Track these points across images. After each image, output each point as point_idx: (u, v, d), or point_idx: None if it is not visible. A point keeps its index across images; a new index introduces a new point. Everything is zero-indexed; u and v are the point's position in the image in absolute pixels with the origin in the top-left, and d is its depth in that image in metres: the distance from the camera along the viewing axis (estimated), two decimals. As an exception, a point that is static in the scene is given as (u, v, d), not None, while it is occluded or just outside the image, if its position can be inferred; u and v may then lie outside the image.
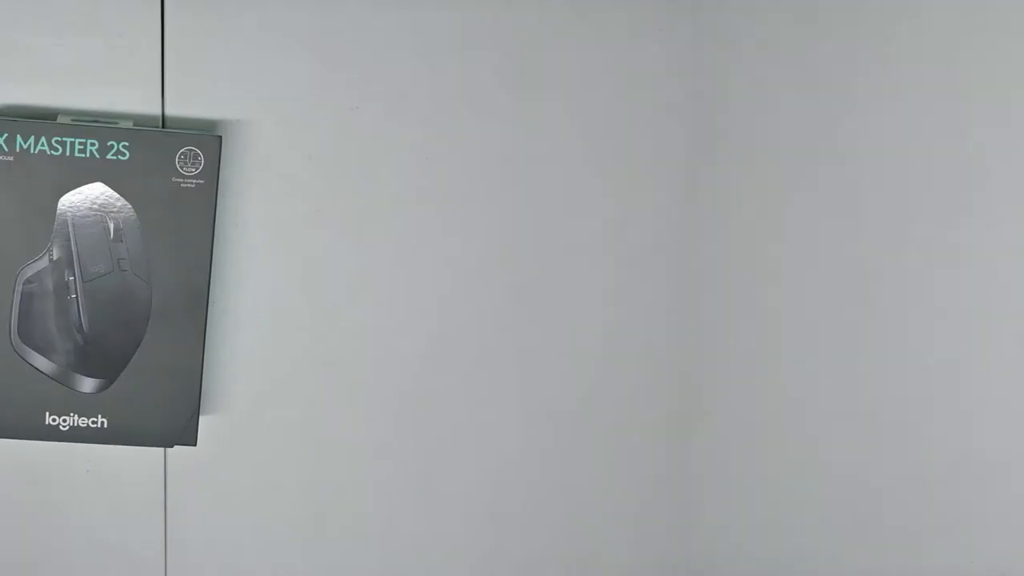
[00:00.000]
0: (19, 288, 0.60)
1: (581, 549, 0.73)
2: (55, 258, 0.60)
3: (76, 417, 0.61)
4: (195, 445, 0.62)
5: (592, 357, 0.70)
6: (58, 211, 0.59)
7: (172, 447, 0.63)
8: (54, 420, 0.61)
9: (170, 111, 0.63)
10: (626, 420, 0.71)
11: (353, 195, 0.66)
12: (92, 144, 0.59)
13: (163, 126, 0.63)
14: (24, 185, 0.58)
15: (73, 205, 0.59)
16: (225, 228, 0.65)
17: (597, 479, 0.72)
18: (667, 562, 0.73)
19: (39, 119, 0.60)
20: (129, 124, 0.61)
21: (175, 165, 0.60)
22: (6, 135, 0.58)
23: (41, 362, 0.60)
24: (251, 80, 0.64)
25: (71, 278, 0.60)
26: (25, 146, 0.58)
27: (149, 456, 0.66)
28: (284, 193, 0.65)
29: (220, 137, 0.60)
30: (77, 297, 0.60)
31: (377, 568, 0.71)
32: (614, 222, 0.69)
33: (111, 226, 0.60)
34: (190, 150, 0.60)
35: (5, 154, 0.58)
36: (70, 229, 0.59)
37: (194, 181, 0.60)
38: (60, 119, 0.60)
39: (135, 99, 0.63)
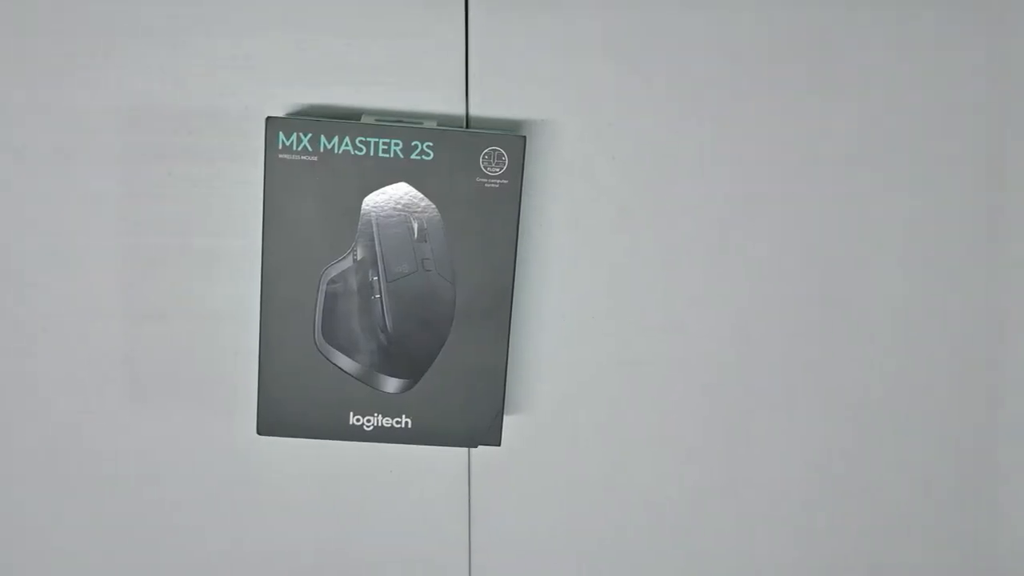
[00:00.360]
0: (323, 288, 0.60)
1: (887, 552, 0.71)
2: (359, 258, 0.59)
3: (380, 417, 0.61)
4: (499, 445, 0.62)
5: (897, 358, 0.68)
6: (362, 211, 0.59)
7: (476, 447, 0.62)
8: (358, 420, 0.61)
9: (474, 111, 0.62)
10: (932, 423, 0.69)
11: (657, 197, 0.65)
12: (396, 144, 0.58)
13: (466, 126, 0.62)
14: (328, 185, 0.58)
15: (377, 205, 0.59)
16: (529, 228, 0.64)
17: (903, 482, 0.70)
18: (973, 565, 0.70)
19: (343, 119, 0.60)
20: (433, 124, 0.60)
21: (479, 165, 0.59)
22: (310, 135, 0.58)
23: (345, 362, 0.60)
24: (555, 81, 0.63)
25: (375, 278, 0.60)
26: (329, 146, 0.58)
27: (452, 456, 0.66)
28: (588, 194, 0.64)
29: (524, 137, 0.59)
30: (381, 297, 0.60)
31: (681, 571, 0.70)
32: (919, 224, 0.66)
33: (415, 226, 0.59)
34: (494, 150, 0.58)
35: (309, 154, 0.58)
36: (374, 229, 0.59)
37: (498, 181, 0.59)
38: (364, 119, 0.60)
39: (438, 99, 0.62)
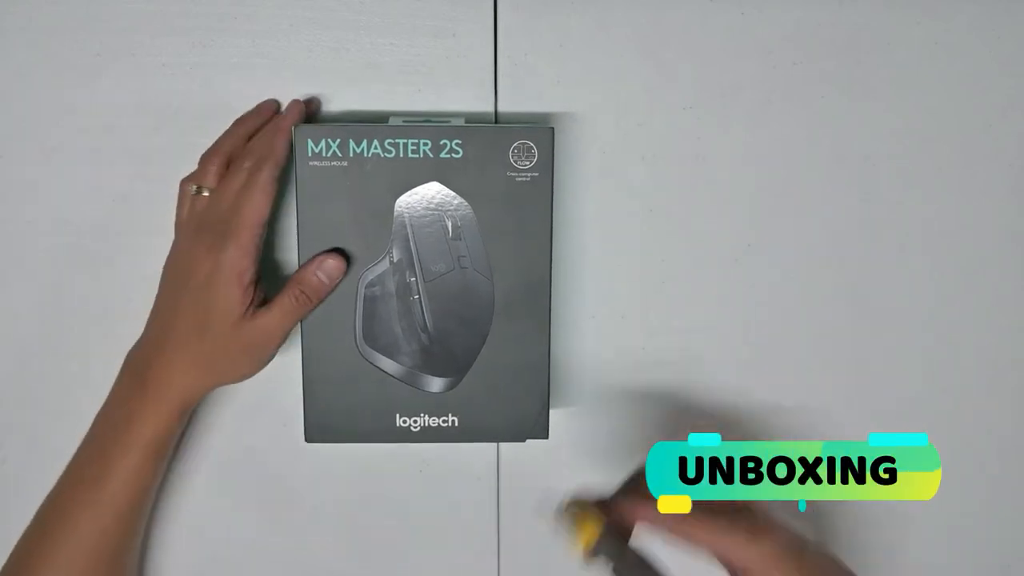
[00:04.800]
0: (362, 292, 0.60)
1: (911, 552, 0.71)
2: (395, 260, 0.60)
3: (426, 417, 0.61)
4: (547, 438, 0.62)
5: (924, 360, 0.68)
6: (395, 213, 0.59)
7: (524, 441, 0.62)
8: (404, 422, 0.61)
9: (503, 108, 0.62)
10: (962, 425, 0.69)
11: (686, 194, 0.65)
12: (425, 144, 0.58)
13: (495, 123, 0.62)
14: (360, 189, 0.58)
15: (410, 206, 0.59)
16: (560, 225, 0.64)
17: None
18: (1000, 566, 0.72)
19: (371, 122, 0.60)
20: (461, 122, 0.60)
21: (509, 159, 0.58)
22: (339, 141, 0.57)
23: (387, 364, 0.61)
24: (584, 79, 0.62)
25: (412, 279, 0.60)
26: (359, 150, 0.57)
27: (481, 453, 0.68)
28: (616, 190, 0.64)
29: (552, 129, 0.58)
30: (420, 297, 0.60)
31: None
32: (951, 224, 0.66)
33: (449, 224, 0.59)
34: (523, 143, 0.58)
35: (339, 159, 0.57)
36: (408, 230, 0.59)
37: (528, 175, 0.59)
38: (392, 121, 0.60)
39: (468, 97, 0.62)
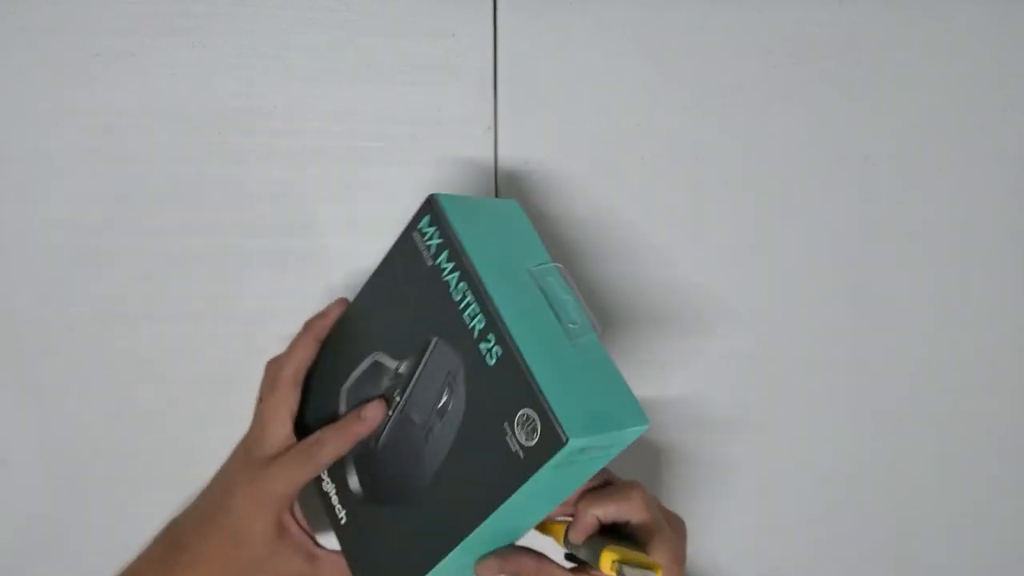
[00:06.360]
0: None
1: (912, 552, 0.72)
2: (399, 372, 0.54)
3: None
4: None
5: (927, 360, 0.68)
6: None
7: None
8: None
9: (502, 108, 0.62)
10: (962, 425, 0.69)
11: (686, 196, 0.65)
12: None
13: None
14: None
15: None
16: (558, 220, 0.64)
17: (932, 487, 0.70)
18: (1000, 565, 0.72)
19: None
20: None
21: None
22: None
23: None
24: (584, 78, 0.62)
25: (397, 400, 0.54)
26: None
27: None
28: (616, 190, 0.64)
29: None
30: (390, 418, 0.55)
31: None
32: (951, 224, 0.66)
33: (444, 399, 0.51)
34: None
35: None
36: (422, 362, 0.53)
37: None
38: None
39: (467, 97, 0.62)
